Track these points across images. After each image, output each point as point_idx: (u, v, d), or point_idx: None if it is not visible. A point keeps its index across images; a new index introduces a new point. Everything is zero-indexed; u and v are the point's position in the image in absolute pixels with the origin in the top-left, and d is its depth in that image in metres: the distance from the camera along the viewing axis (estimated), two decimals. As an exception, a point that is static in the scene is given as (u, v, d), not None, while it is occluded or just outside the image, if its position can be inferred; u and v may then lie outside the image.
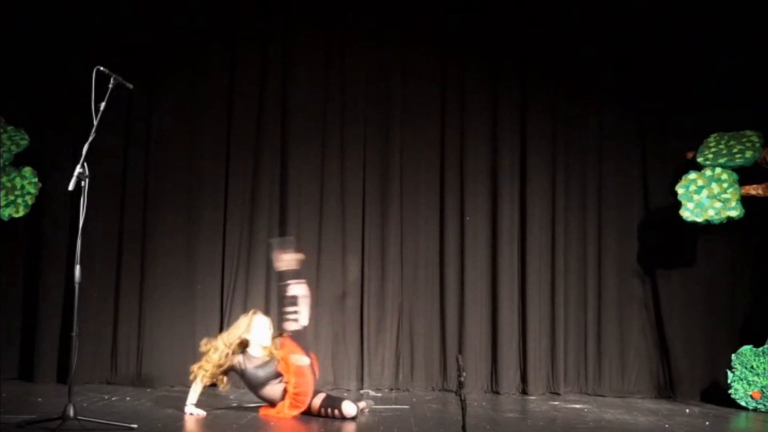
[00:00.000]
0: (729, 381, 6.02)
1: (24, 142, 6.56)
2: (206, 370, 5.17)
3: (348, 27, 6.99)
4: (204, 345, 5.29)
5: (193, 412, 5.09)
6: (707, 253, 6.65)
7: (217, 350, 5.20)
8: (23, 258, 6.82)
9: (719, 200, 6.09)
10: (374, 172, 6.88)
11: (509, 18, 6.93)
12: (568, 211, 6.81)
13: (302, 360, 5.11)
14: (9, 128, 6.58)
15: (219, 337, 5.31)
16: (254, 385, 5.21)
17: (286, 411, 5.08)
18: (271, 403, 5.21)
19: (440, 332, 6.76)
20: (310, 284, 6.68)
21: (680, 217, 6.20)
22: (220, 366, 5.19)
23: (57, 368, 6.54)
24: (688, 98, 6.71)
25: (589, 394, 6.61)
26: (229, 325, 6.55)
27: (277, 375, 5.17)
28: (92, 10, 6.80)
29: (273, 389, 5.18)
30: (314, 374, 5.19)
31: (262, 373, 5.17)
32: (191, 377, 5.20)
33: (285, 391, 5.14)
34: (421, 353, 6.73)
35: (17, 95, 6.80)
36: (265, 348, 5.27)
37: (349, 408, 5.03)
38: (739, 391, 5.98)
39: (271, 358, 5.22)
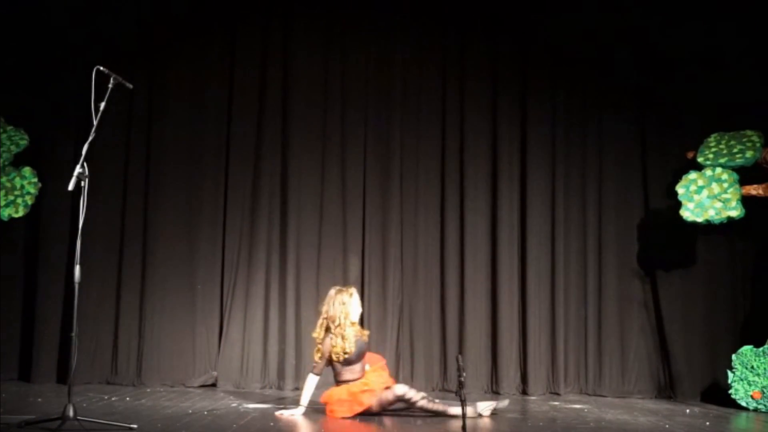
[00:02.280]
0: (729, 381, 6.02)
1: (24, 142, 6.57)
2: (324, 354, 5.22)
3: (348, 26, 6.99)
4: (318, 332, 5.31)
5: (294, 414, 5.16)
6: (707, 253, 6.64)
7: (334, 331, 5.24)
8: (23, 258, 6.83)
9: (720, 200, 6.09)
10: (374, 172, 6.88)
11: (510, 17, 6.94)
12: (567, 211, 6.81)
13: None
14: (9, 128, 6.59)
15: (324, 319, 5.32)
16: (341, 361, 5.25)
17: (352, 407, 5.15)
18: (340, 381, 5.26)
19: (440, 332, 6.76)
20: (310, 284, 6.74)
21: (680, 217, 6.19)
22: (333, 347, 5.24)
23: (57, 368, 6.55)
24: (688, 98, 6.71)
25: (589, 394, 6.61)
26: (231, 320, 6.66)
27: (362, 355, 5.30)
28: (92, 10, 6.80)
29: (354, 368, 5.27)
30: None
31: (355, 349, 5.25)
32: (316, 370, 5.25)
33: (361, 376, 5.28)
34: (421, 353, 6.73)
35: (17, 95, 6.79)
36: (353, 324, 5.33)
37: (399, 387, 5.18)
38: (739, 391, 5.98)
39: (360, 336, 5.32)
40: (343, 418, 5.12)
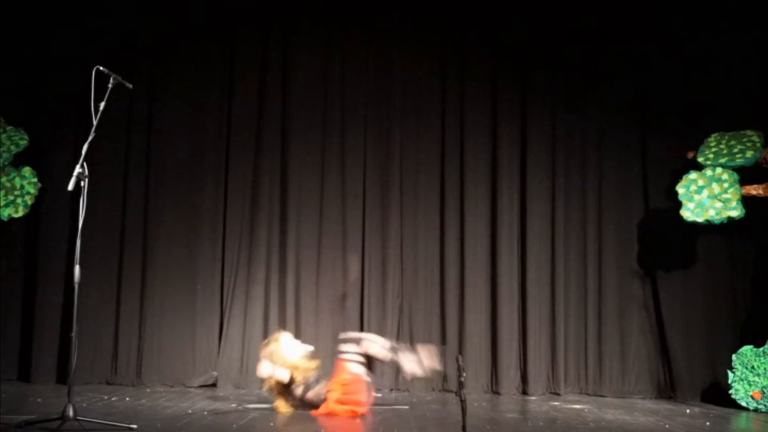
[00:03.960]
0: (729, 381, 6.02)
1: (24, 142, 6.57)
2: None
3: (348, 27, 7.00)
4: (273, 379, 5.37)
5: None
6: (707, 253, 6.64)
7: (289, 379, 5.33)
8: (23, 258, 6.83)
9: (720, 200, 6.09)
10: (374, 172, 6.89)
11: (510, 18, 6.94)
12: (567, 211, 6.81)
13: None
14: (9, 128, 6.59)
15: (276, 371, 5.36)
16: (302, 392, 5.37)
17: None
18: (314, 406, 5.29)
19: (440, 332, 6.75)
20: (310, 284, 6.74)
21: (680, 217, 6.19)
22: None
23: (57, 368, 6.55)
24: (688, 98, 6.71)
25: (589, 395, 6.61)
26: (231, 320, 6.65)
27: (318, 380, 5.38)
28: (92, 10, 6.80)
29: (317, 391, 5.33)
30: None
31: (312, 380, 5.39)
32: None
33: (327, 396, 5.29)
34: (421, 353, 6.73)
35: (17, 95, 6.80)
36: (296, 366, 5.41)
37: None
38: (739, 391, 5.98)
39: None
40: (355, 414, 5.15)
